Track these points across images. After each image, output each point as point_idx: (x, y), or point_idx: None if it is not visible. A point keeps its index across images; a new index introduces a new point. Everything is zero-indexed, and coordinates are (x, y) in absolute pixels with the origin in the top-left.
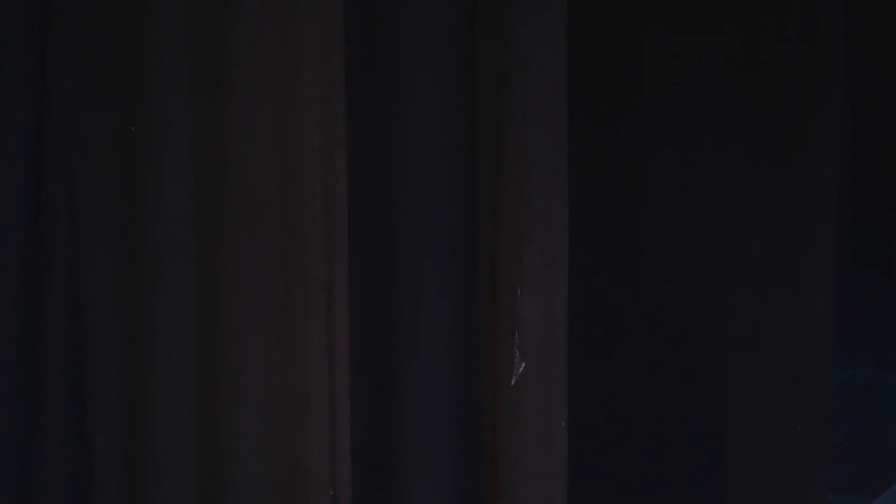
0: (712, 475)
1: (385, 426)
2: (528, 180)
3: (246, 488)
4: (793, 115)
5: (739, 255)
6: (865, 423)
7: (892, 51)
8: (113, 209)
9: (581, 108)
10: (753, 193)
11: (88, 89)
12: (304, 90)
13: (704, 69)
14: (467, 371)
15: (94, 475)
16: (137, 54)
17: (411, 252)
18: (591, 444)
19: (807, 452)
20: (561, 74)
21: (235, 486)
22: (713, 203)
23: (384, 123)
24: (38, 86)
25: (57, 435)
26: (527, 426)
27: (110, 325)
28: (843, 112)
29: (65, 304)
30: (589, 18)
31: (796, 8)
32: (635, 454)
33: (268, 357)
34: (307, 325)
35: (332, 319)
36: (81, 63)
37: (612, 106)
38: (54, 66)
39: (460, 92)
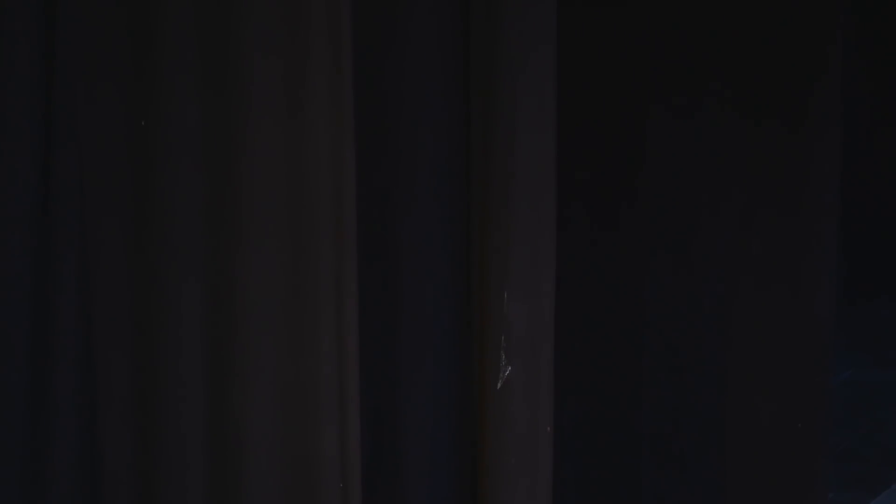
0: (713, 474)
1: (384, 422)
2: (515, 184)
3: (257, 481)
4: (794, 109)
5: (740, 253)
6: (866, 422)
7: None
8: (122, 206)
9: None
10: (754, 191)
11: (98, 85)
12: (312, 88)
13: None
14: (455, 373)
15: (105, 470)
16: (148, 51)
17: (400, 255)
18: (592, 444)
19: (807, 451)
20: (550, 80)
21: (247, 478)
22: (714, 200)
23: (374, 122)
24: (46, 81)
25: (68, 432)
26: (512, 429)
27: (120, 321)
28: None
29: (75, 302)
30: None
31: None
32: (635, 453)
33: (278, 352)
34: (317, 321)
35: (340, 314)
36: (91, 58)
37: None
38: (63, 61)
39: (453, 97)
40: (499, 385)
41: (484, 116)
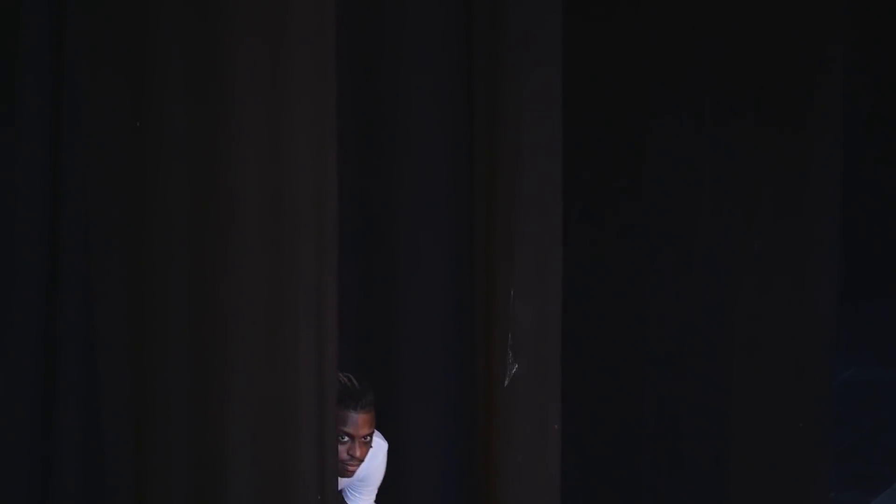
0: (714, 472)
1: (389, 421)
2: (522, 183)
3: (236, 492)
4: (796, 108)
5: (742, 253)
6: (867, 422)
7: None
8: (120, 210)
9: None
10: (756, 192)
11: (101, 89)
12: (297, 92)
13: None
14: (462, 372)
15: (105, 472)
16: (140, 57)
17: (407, 254)
18: (593, 443)
19: (809, 450)
20: (556, 85)
21: (226, 489)
22: (716, 201)
23: (379, 127)
24: (54, 85)
25: (69, 432)
26: (519, 427)
27: (115, 322)
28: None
29: (78, 307)
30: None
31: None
32: (636, 452)
33: (257, 361)
34: (297, 329)
35: (321, 323)
36: (95, 63)
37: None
38: (70, 66)
39: (455, 96)
40: (506, 383)
41: (489, 113)
